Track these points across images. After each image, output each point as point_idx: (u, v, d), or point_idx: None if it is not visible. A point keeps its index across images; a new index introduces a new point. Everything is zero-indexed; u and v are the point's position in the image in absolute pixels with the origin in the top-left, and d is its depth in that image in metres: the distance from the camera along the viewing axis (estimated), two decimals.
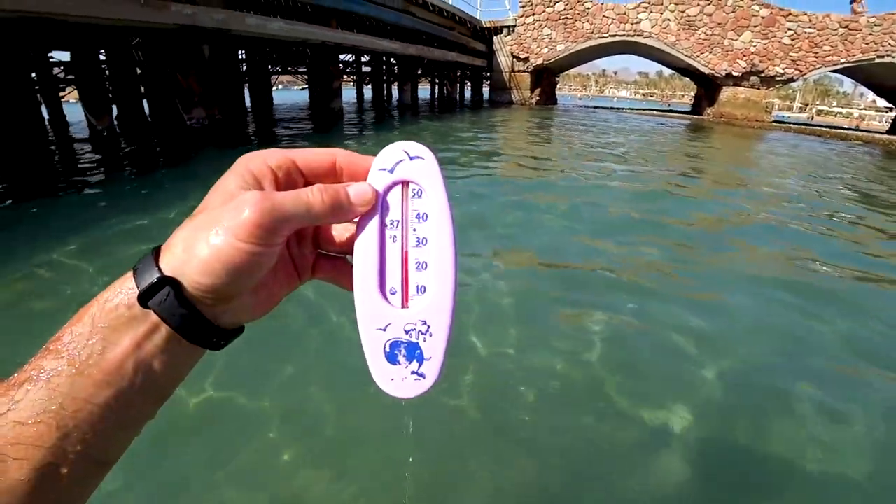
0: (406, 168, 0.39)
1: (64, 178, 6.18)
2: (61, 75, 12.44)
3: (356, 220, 0.39)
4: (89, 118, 8.73)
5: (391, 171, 0.39)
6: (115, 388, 0.33)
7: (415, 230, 0.39)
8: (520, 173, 7.33)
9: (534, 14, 24.18)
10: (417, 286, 0.39)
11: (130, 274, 0.35)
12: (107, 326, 0.34)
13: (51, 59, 11.83)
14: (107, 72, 10.75)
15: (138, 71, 11.28)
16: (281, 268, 0.40)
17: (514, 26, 24.41)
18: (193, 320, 0.35)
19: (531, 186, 6.49)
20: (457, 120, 15.31)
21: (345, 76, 24.15)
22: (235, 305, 0.37)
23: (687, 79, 32.43)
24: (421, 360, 0.38)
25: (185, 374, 0.37)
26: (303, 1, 10.17)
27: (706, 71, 22.57)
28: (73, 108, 13.01)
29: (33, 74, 6.77)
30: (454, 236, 0.39)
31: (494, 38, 24.68)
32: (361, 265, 0.38)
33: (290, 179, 0.39)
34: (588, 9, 23.50)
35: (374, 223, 0.38)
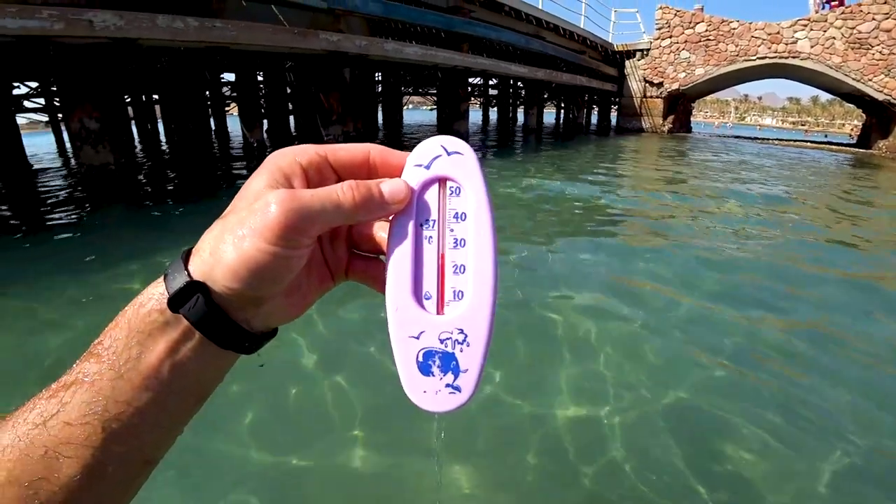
0: (444, 164, 0.37)
1: (225, 181, 7.08)
2: (227, 93, 14.20)
3: (390, 218, 0.38)
4: (244, 131, 9.85)
5: (427, 167, 0.37)
6: (153, 392, 0.34)
7: (452, 231, 0.37)
8: (650, 236, 5.04)
9: (671, 36, 22.76)
10: (454, 291, 0.37)
11: (162, 278, 0.35)
12: (142, 331, 0.34)
13: (222, 80, 13.55)
14: (262, 90, 12.09)
15: (288, 90, 12.54)
16: (314, 269, 0.39)
17: (648, 49, 23.22)
18: (223, 325, 0.34)
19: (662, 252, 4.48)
20: (581, 146, 14.80)
21: (472, 98, 24.72)
22: (267, 309, 0.36)
23: (851, 105, 28.55)
24: (457, 371, 0.36)
25: (223, 375, 0.37)
26: (437, 28, 10.70)
27: (880, 97, 19.61)
28: (233, 122, 14.69)
29: (206, 92, 7.95)
30: (494, 238, 0.36)
31: (626, 62, 23.87)
32: (394, 267, 0.36)
33: (321, 177, 0.37)
34: (734, 29, 21.59)
35: (408, 222, 0.36)
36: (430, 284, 0.36)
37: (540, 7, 15.18)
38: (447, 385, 0.36)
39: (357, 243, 0.41)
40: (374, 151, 0.38)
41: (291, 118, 12.63)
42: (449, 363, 0.36)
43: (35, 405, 0.33)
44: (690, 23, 22.42)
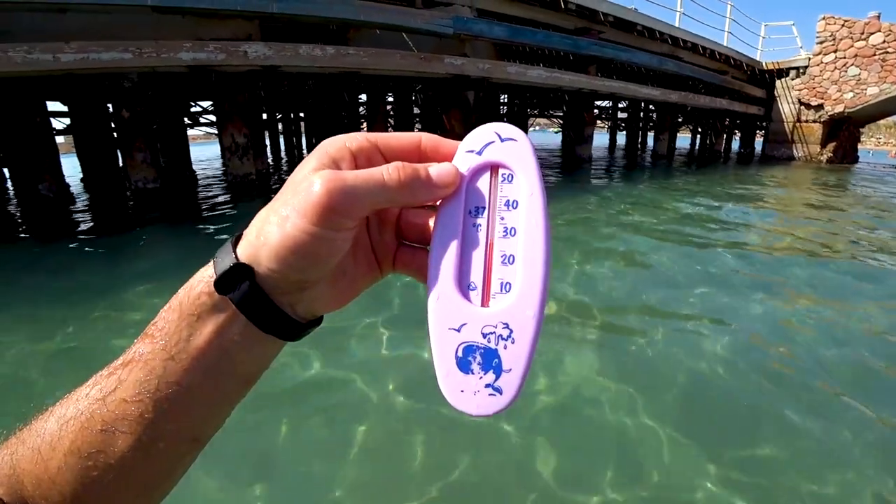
0: (496, 150, 0.36)
1: None
2: (363, 112, 15.26)
3: (437, 204, 0.37)
4: None
5: (479, 153, 0.36)
6: (202, 373, 0.34)
7: (503, 219, 0.35)
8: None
9: (836, 50, 19.25)
10: (501, 283, 0.35)
11: (212, 262, 0.35)
12: (192, 314, 0.34)
13: (358, 101, 14.61)
14: (392, 111, 12.78)
15: (416, 111, 13.14)
16: (360, 255, 0.39)
17: (806, 67, 20.17)
18: (266, 309, 0.34)
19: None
20: (718, 177, 12.98)
21: (599, 121, 23.89)
22: (312, 295, 0.36)
23: None
24: (499, 371, 0.33)
25: (270, 360, 0.37)
26: (564, 50, 10.62)
27: None
28: None
29: (343, 112, 8.72)
30: (547, 228, 0.34)
31: (777, 81, 21.41)
32: (439, 254, 0.35)
33: (370, 163, 0.36)
34: None
35: (456, 208, 0.35)
36: (475, 274, 0.35)
37: (676, 25, 14.41)
38: (487, 385, 0.34)
39: (405, 232, 0.39)
40: (425, 139, 0.38)
41: None
42: (491, 361, 0.34)
43: (97, 381, 0.35)
44: (863, 33, 18.83)
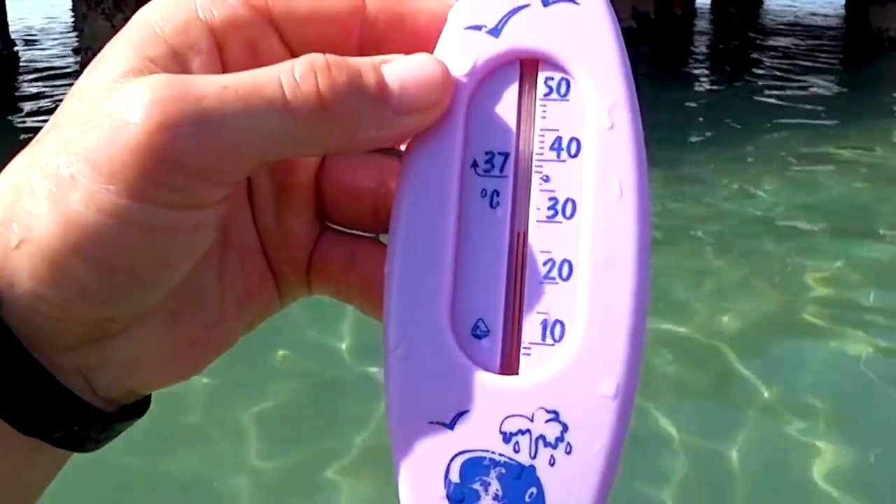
0: (533, 24, 0.18)
1: None
2: None
3: (403, 148, 0.19)
4: None
5: (495, 31, 0.18)
6: None
7: (547, 180, 0.18)
8: None
9: None
10: (545, 323, 0.18)
11: None
12: None
13: None
14: None
15: None
16: (235, 262, 0.20)
17: None
18: (29, 384, 0.16)
19: None
20: None
21: None
22: (126, 349, 0.18)
23: None
24: None
25: (41, 487, 0.20)
26: None
27: None
28: None
29: None
30: (645, 193, 0.17)
31: None
32: (407, 257, 0.18)
33: (255, 52, 0.18)
34: None
35: (445, 158, 0.18)
36: (488, 304, 0.18)
37: None
38: None
39: (335, 205, 0.21)
40: None
41: None
42: (522, 493, 0.17)
43: None
44: None
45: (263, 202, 0.20)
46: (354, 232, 0.21)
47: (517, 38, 0.17)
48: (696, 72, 8.50)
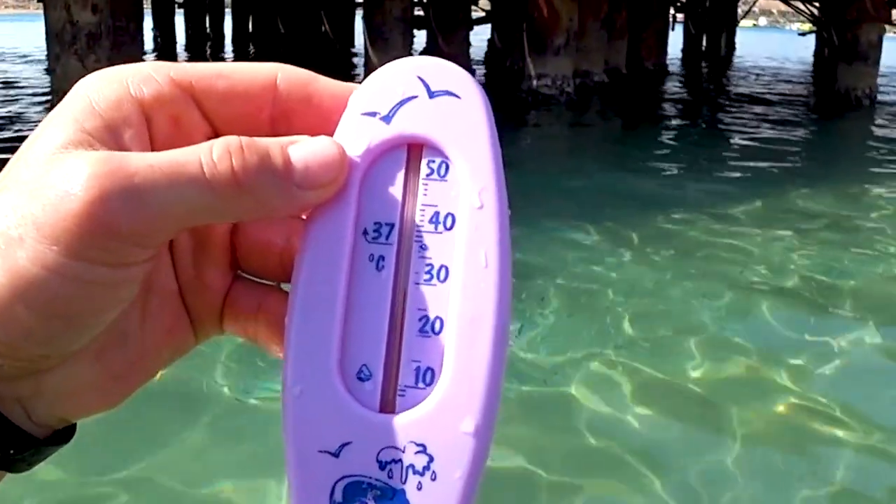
0: (419, 114, 0.21)
1: None
2: None
3: (305, 217, 0.21)
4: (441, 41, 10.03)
5: (387, 118, 0.21)
6: None
7: (425, 248, 0.21)
8: None
9: None
10: (418, 369, 0.21)
11: None
12: None
13: None
14: None
15: None
16: (156, 305, 0.22)
17: None
18: None
19: None
20: None
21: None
22: (59, 382, 0.21)
23: None
24: None
25: None
26: None
27: None
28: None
29: None
30: (506, 267, 0.20)
31: None
32: (305, 312, 0.21)
33: (176, 126, 0.21)
34: None
35: (339, 226, 0.21)
36: (371, 352, 0.21)
37: None
38: None
39: (246, 258, 0.23)
40: (285, 77, 0.22)
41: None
42: None
43: None
44: None
45: (183, 254, 0.23)
46: (262, 281, 0.24)
47: (405, 125, 0.20)
48: (667, 123, 8.77)
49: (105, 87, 0.20)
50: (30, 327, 0.18)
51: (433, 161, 0.20)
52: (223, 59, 15.49)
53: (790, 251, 4.27)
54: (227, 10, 19.23)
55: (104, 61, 5.37)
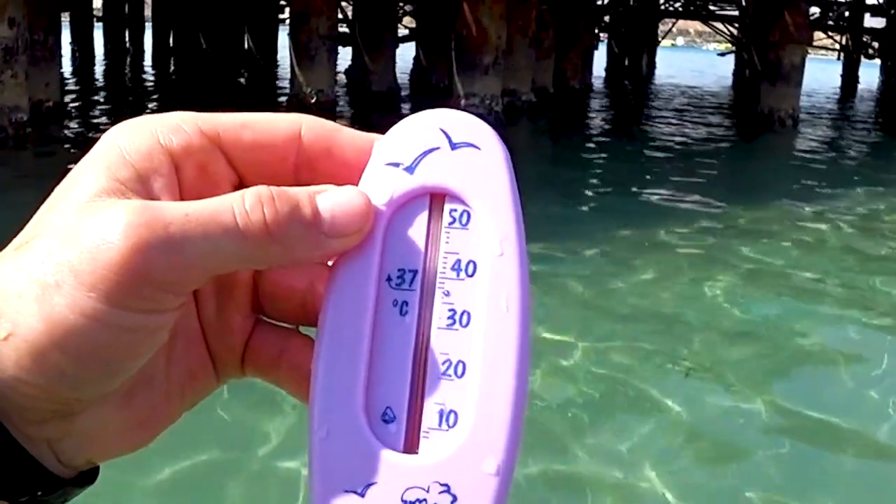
0: (441, 164, 0.22)
1: None
2: None
3: (330, 263, 0.22)
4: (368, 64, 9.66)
5: (410, 168, 0.22)
6: None
7: (448, 295, 0.22)
8: None
9: None
10: (441, 411, 0.22)
11: None
12: None
13: None
14: None
15: None
16: (181, 350, 0.23)
17: None
18: (2, 455, 0.19)
19: None
20: None
21: (819, 32, 10.28)
22: (87, 425, 0.21)
23: None
24: None
25: None
26: None
27: None
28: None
29: None
30: (526, 313, 0.21)
31: None
32: (331, 356, 0.22)
33: (205, 176, 0.22)
34: None
35: (364, 273, 0.22)
36: (395, 394, 0.22)
37: None
38: None
39: (269, 302, 0.24)
40: (308, 128, 0.22)
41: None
42: None
43: None
44: None
45: (207, 298, 0.23)
46: (284, 325, 0.24)
47: (428, 175, 0.21)
48: (594, 142, 8.93)
49: (136, 138, 0.20)
50: (64, 371, 0.18)
51: (455, 210, 0.21)
52: (143, 75, 14.74)
53: (713, 270, 4.32)
54: (148, 25, 18.40)
55: (21, 76, 5.13)
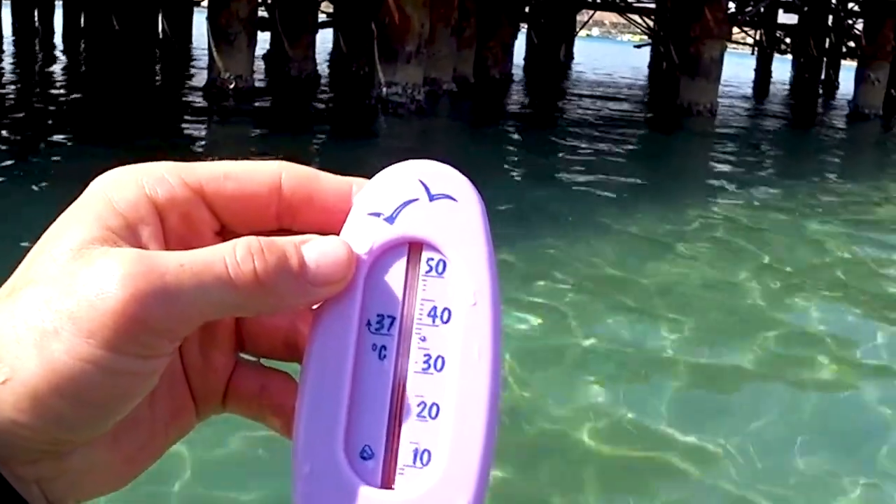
0: (420, 216, 0.23)
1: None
2: None
3: (314, 307, 0.23)
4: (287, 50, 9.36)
5: (390, 219, 0.23)
6: None
7: (424, 340, 0.23)
8: None
9: None
10: (416, 450, 0.23)
11: None
12: None
13: None
14: None
15: None
16: (164, 390, 0.24)
17: None
18: None
19: None
20: None
21: (737, 30, 10.40)
22: (76, 465, 0.22)
23: None
24: None
25: None
26: None
27: None
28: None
29: None
30: (496, 359, 0.23)
31: None
32: (313, 396, 0.23)
33: (187, 224, 0.23)
34: None
35: (345, 318, 0.23)
36: (373, 434, 0.23)
37: None
38: None
39: (253, 340, 0.26)
40: (288, 177, 0.24)
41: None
42: None
43: None
44: None
45: (191, 340, 0.24)
46: (264, 363, 0.26)
47: (407, 226, 0.22)
48: (513, 131, 9.19)
49: (123, 188, 0.21)
50: (62, 414, 0.19)
51: (432, 259, 0.23)
52: (54, 56, 13.78)
53: (625, 254, 4.63)
54: (58, 4, 17.19)
55: None
